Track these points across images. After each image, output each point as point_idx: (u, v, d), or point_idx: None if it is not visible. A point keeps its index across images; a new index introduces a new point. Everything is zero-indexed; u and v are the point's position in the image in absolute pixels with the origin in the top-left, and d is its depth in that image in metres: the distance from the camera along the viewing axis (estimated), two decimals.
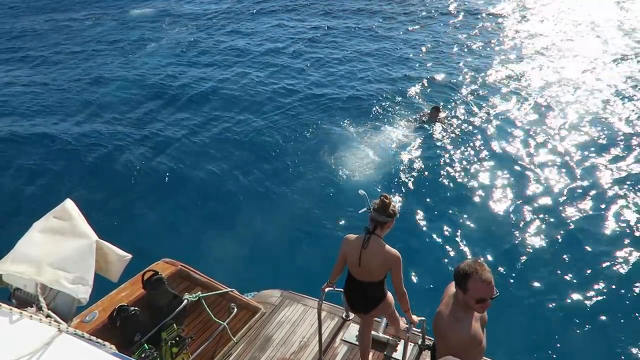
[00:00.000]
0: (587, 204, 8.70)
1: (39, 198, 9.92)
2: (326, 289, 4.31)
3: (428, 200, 9.09)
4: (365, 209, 4.01)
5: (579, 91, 12.65)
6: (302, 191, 9.54)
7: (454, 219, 8.62)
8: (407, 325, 4.22)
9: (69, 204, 2.88)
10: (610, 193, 8.90)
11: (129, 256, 3.02)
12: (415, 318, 4.19)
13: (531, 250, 7.81)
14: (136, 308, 4.00)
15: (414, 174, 9.76)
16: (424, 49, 16.24)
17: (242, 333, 5.14)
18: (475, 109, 12.04)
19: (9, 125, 13.19)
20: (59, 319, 2.35)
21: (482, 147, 10.46)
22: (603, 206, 8.62)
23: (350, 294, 4.25)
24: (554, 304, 6.94)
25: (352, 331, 5.08)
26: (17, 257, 2.60)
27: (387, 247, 3.87)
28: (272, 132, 11.73)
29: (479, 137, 10.84)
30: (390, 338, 4.91)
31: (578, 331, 6.54)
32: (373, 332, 4.93)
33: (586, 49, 15.35)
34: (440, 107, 11.29)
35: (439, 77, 14.02)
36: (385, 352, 4.83)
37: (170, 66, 16.47)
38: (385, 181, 9.64)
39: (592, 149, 10.17)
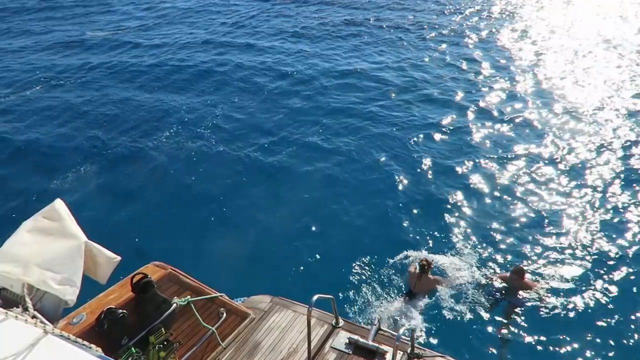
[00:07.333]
0: None
1: (28, 197, 9.83)
2: None
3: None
4: None
5: None
6: (297, 201, 9.51)
7: None
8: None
9: (58, 204, 2.87)
10: None
11: (118, 258, 3.01)
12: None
13: None
14: (124, 311, 3.96)
15: None
16: None
17: (230, 338, 5.10)
18: None
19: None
20: (45, 320, 2.33)
21: None
22: None
23: None
24: None
25: (341, 338, 5.05)
26: (4, 256, 2.58)
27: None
28: (275, 139, 11.68)
29: None
30: (379, 346, 4.90)
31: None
32: (362, 340, 4.92)
33: None
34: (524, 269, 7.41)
35: None
36: None
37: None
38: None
39: None
